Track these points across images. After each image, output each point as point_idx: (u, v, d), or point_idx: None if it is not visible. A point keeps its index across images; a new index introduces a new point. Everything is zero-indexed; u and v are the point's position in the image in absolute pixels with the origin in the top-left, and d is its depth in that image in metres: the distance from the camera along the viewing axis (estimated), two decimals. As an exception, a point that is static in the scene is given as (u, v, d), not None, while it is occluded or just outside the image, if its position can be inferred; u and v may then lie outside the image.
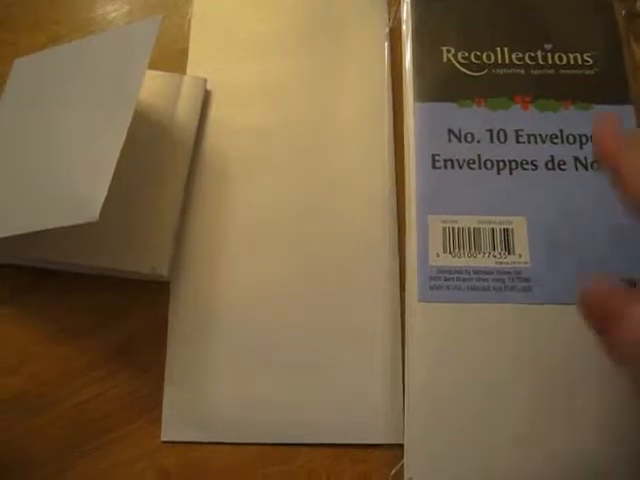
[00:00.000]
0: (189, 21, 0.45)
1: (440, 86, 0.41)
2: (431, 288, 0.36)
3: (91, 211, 0.30)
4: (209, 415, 0.35)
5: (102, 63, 0.38)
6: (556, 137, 0.39)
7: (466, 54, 0.42)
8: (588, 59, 0.42)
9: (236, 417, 0.35)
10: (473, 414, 0.33)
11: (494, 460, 0.33)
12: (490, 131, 0.40)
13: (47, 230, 0.31)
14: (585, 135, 0.39)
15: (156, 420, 0.35)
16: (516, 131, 0.40)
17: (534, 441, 0.33)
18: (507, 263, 0.36)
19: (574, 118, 0.40)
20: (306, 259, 0.38)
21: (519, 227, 0.37)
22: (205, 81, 0.42)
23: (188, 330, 0.37)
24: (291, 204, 0.40)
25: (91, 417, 0.35)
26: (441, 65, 0.42)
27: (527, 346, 0.35)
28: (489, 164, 0.39)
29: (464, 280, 0.36)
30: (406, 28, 0.44)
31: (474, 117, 0.40)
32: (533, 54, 0.42)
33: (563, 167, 0.39)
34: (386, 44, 0.44)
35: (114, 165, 0.32)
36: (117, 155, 0.32)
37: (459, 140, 0.40)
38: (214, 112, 0.42)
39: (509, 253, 0.36)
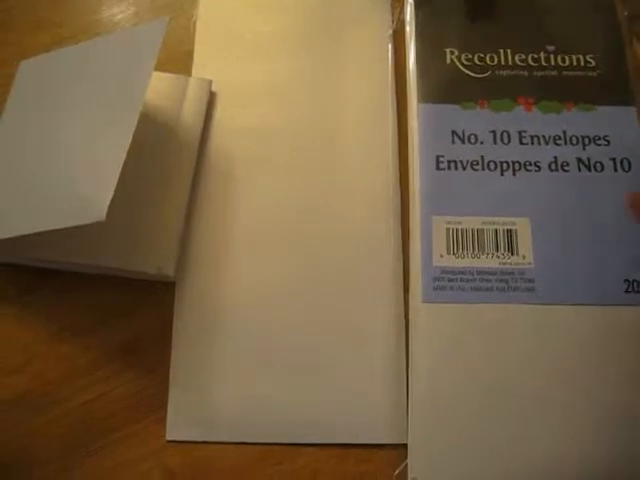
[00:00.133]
0: (194, 23, 0.46)
1: (444, 88, 0.41)
2: (435, 289, 0.36)
3: (98, 211, 0.31)
4: (214, 415, 0.35)
5: (109, 65, 0.38)
6: (559, 138, 0.40)
7: (469, 56, 0.42)
8: (591, 60, 0.42)
9: (241, 417, 0.35)
10: (477, 414, 0.34)
11: (499, 460, 0.33)
12: (493, 132, 0.40)
13: (54, 230, 0.32)
14: (588, 136, 0.39)
15: (162, 420, 0.35)
16: (519, 132, 0.40)
17: (537, 440, 0.33)
18: (511, 264, 0.36)
19: (577, 119, 0.40)
20: (309, 259, 0.38)
21: (523, 228, 0.37)
22: (210, 82, 0.43)
23: (193, 331, 0.37)
24: (295, 204, 0.40)
25: (97, 416, 0.35)
26: (444, 67, 0.42)
27: (530, 346, 0.35)
28: (492, 165, 0.39)
29: (468, 281, 0.36)
30: (409, 30, 0.44)
31: (477, 118, 0.40)
32: (536, 56, 0.42)
33: (566, 168, 0.39)
34: (390, 46, 0.45)
35: (121, 166, 0.32)
36: (124, 156, 0.32)
37: (463, 141, 0.40)
38: (219, 113, 0.42)
39: (512, 254, 0.37)
